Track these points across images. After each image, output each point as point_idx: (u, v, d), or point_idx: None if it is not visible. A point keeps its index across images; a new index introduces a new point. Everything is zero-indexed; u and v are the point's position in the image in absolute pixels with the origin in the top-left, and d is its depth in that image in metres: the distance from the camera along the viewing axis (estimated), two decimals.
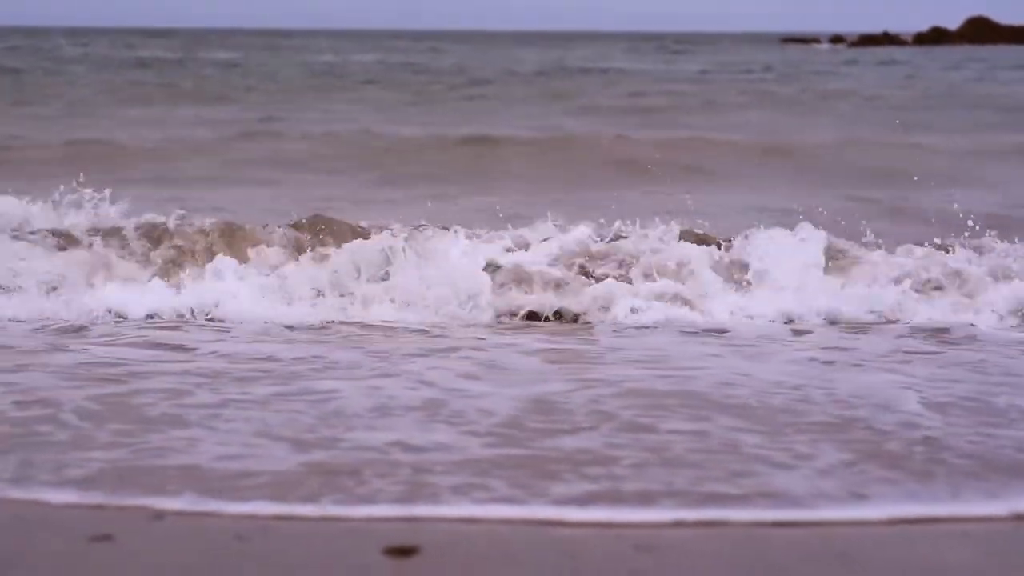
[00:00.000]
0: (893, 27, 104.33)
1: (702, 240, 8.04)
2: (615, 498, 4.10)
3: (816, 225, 7.96)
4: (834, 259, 7.86)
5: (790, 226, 7.96)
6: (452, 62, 50.17)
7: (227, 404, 5.19)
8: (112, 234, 8.01)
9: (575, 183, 13.18)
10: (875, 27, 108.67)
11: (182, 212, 8.27)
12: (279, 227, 8.23)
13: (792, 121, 22.38)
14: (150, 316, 6.97)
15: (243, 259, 7.63)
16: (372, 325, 6.92)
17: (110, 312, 6.95)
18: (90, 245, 7.84)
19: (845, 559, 3.68)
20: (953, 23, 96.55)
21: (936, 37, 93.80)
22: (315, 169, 14.76)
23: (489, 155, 15.68)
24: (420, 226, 8.20)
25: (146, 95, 27.90)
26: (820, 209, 8.50)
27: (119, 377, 5.60)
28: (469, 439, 4.73)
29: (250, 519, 3.91)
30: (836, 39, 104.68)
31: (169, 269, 7.69)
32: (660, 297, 7.22)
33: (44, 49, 57.69)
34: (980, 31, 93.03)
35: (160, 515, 3.92)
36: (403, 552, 3.64)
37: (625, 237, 7.96)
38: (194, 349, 6.26)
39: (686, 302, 7.19)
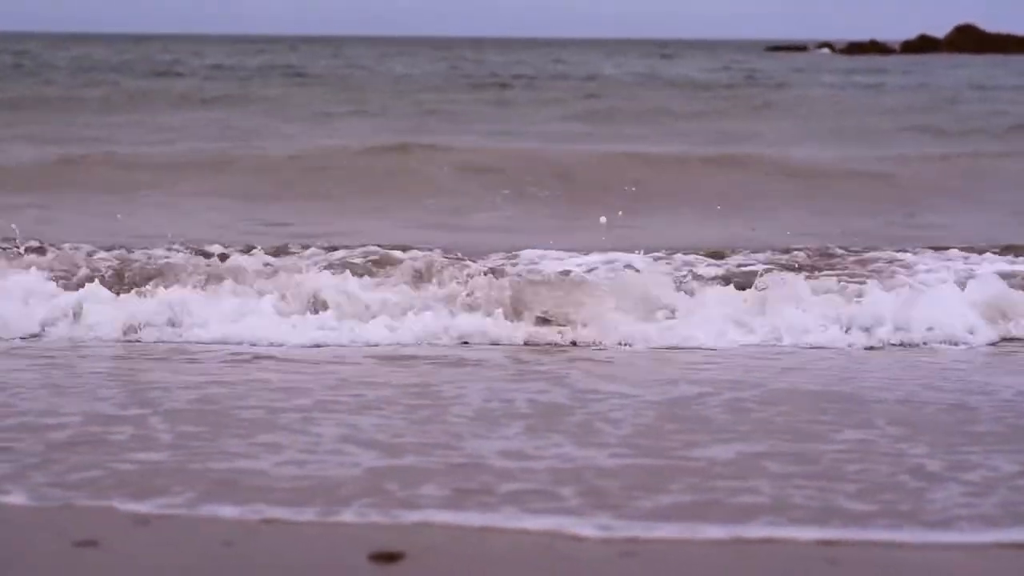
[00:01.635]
0: (881, 35, 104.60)
1: None
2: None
3: None
4: None
5: None
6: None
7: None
8: None
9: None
10: (862, 35, 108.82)
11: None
12: None
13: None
14: None
15: None
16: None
17: None
18: None
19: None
20: (941, 31, 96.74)
21: (924, 45, 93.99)
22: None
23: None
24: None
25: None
26: None
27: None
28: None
29: (239, 524, 3.92)
30: (824, 46, 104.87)
31: None
32: None
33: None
34: (968, 39, 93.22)
35: (145, 520, 3.92)
36: (388, 558, 3.65)
37: None
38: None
39: None
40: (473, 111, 25.66)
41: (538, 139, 19.03)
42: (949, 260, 8.50)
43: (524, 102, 28.91)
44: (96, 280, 7.28)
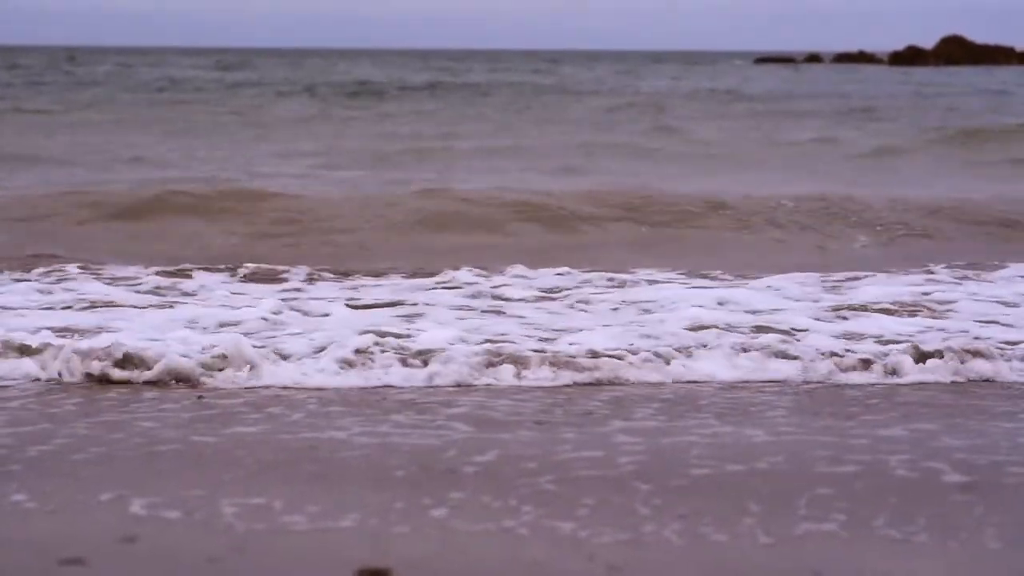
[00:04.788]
0: (867, 46, 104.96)
1: None
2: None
3: None
4: None
5: None
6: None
7: None
8: None
9: None
10: (849, 46, 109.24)
11: None
12: None
13: None
14: None
15: None
16: None
17: None
18: None
19: None
20: (928, 42, 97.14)
21: (911, 56, 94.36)
22: None
23: None
24: None
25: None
26: None
27: None
28: None
29: (228, 537, 3.91)
30: (812, 58, 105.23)
31: None
32: None
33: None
34: (955, 50, 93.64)
35: (132, 538, 3.91)
36: (374, 575, 3.63)
37: None
38: None
39: None
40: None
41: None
42: None
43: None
44: None
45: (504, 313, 7.59)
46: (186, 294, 8.20)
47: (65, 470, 4.62)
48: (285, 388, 5.93)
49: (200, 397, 5.73)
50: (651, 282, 8.75)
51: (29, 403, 5.66)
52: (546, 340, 6.68)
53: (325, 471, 4.60)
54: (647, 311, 7.60)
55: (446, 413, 5.44)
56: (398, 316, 7.45)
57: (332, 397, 5.78)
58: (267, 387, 5.93)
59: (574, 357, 6.24)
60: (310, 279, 8.84)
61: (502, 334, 6.83)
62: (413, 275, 8.99)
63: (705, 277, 9.00)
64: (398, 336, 6.59)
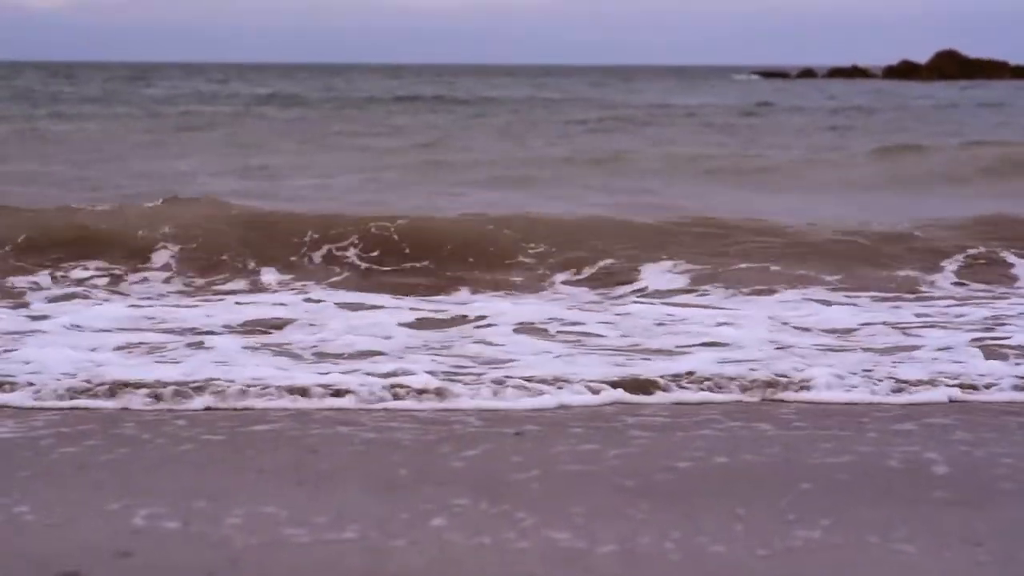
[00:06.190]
0: (859, 61, 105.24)
1: None
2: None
3: None
4: None
5: None
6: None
7: None
8: None
9: None
10: (842, 60, 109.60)
11: None
12: None
13: None
14: None
15: None
16: None
17: None
18: None
19: None
20: (922, 57, 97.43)
21: (906, 71, 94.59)
22: None
23: None
24: None
25: None
26: None
27: None
28: None
29: (224, 549, 3.90)
30: (806, 72, 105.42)
31: None
32: None
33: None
34: (948, 65, 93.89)
35: (128, 552, 3.90)
36: None
37: None
38: None
39: None
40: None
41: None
42: None
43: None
44: None
45: None
46: None
47: (70, 479, 4.63)
48: None
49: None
50: None
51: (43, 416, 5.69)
52: None
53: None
54: None
55: None
56: None
57: None
58: None
59: None
60: None
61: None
62: None
63: None
64: None
